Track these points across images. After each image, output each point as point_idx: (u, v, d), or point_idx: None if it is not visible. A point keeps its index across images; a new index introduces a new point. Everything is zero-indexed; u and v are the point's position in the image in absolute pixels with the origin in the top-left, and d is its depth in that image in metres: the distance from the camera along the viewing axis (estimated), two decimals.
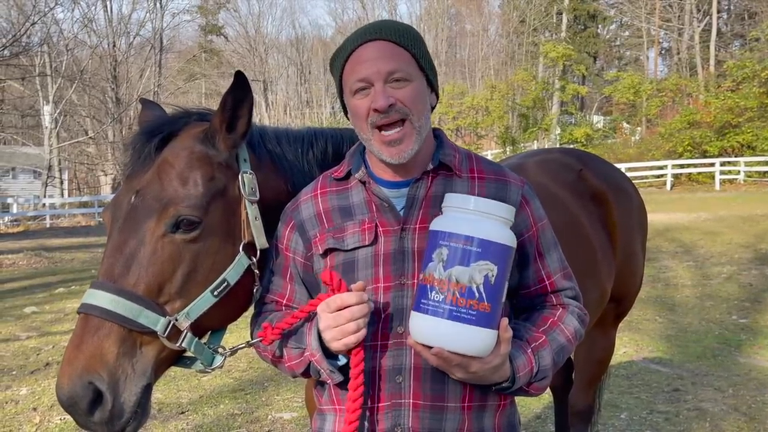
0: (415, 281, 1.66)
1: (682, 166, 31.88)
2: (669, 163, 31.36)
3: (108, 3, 41.57)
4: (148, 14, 44.64)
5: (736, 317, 7.81)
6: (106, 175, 42.53)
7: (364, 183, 1.80)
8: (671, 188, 30.50)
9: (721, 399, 5.28)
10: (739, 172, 30.38)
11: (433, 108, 1.83)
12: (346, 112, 1.86)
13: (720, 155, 31.50)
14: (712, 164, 30.62)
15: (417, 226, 1.72)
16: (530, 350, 1.68)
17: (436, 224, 1.60)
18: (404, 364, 1.67)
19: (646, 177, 31.85)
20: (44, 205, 32.96)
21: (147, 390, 1.75)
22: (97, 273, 1.81)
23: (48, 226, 28.84)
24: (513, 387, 1.66)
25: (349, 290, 1.62)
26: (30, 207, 32.27)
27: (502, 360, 1.59)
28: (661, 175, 31.65)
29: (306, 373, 1.75)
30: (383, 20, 1.83)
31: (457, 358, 1.54)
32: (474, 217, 1.56)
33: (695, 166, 31.80)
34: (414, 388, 1.66)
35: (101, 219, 2.04)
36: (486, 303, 1.51)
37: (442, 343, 1.52)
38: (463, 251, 1.52)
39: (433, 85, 1.82)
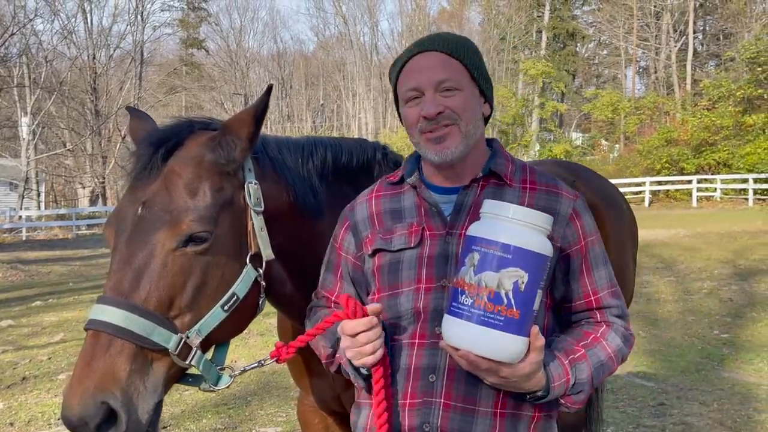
0: None
1: (660, 183, 32.27)
2: (647, 180, 31.75)
3: (88, 15, 41.33)
4: (128, 27, 44.36)
5: (718, 332, 7.86)
6: (84, 187, 42.07)
7: (415, 187, 1.84)
8: (649, 205, 30.83)
9: (706, 413, 5.29)
10: (715, 189, 30.83)
11: (487, 118, 1.88)
12: (401, 120, 1.91)
13: (697, 173, 31.98)
14: (690, 181, 31.06)
15: (463, 231, 1.75)
16: (567, 362, 1.67)
17: (472, 229, 1.62)
18: (439, 364, 1.71)
19: (625, 194, 31.82)
20: (20, 217, 32.45)
21: (158, 407, 1.72)
22: (103, 286, 1.76)
23: (24, 238, 28.43)
24: (547, 397, 1.65)
25: (365, 314, 1.66)
26: (6, 219, 31.73)
27: (533, 368, 1.58)
28: (640, 192, 32.00)
29: (339, 371, 1.82)
30: (439, 32, 1.89)
31: (484, 363, 1.54)
32: (507, 224, 1.56)
33: (673, 183, 32.21)
34: (446, 388, 1.70)
35: (96, 231, 1.99)
36: (515, 309, 1.51)
37: (469, 347, 1.54)
38: (493, 257, 1.52)
39: (486, 96, 1.86)
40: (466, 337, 1.53)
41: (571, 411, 1.76)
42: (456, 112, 1.73)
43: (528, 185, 1.82)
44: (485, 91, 1.84)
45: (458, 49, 1.79)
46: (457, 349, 1.57)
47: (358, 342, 1.63)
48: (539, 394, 1.64)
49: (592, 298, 1.80)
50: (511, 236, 1.53)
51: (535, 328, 1.57)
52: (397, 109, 1.90)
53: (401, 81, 1.82)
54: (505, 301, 1.51)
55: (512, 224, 1.56)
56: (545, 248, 1.57)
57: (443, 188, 1.83)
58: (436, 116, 1.72)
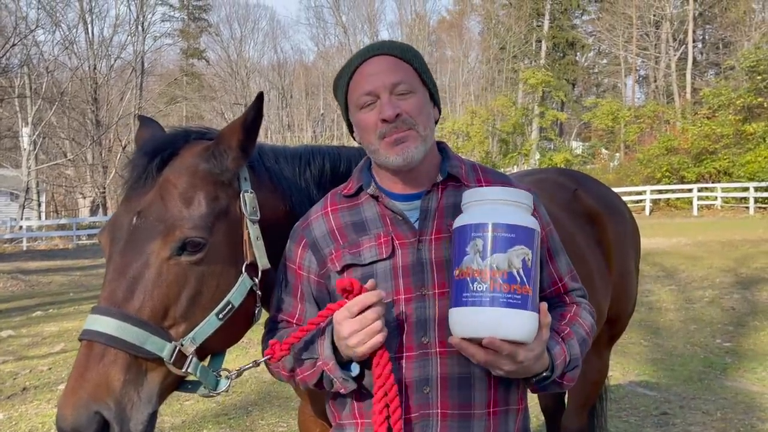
0: (436, 291, 1.69)
1: (660, 192, 32.25)
2: (647, 188, 31.74)
3: (89, 26, 41.51)
4: (129, 37, 44.52)
5: (721, 341, 7.83)
6: (84, 197, 42.12)
7: (376, 198, 1.81)
8: (650, 213, 30.80)
9: (709, 423, 5.26)
10: (716, 197, 30.80)
11: (436, 121, 1.87)
12: (351, 132, 1.87)
13: (697, 181, 31.96)
14: (690, 190, 31.04)
15: (432, 237, 1.74)
16: (560, 339, 1.70)
17: (463, 220, 1.62)
18: (431, 374, 1.68)
19: (626, 202, 32.09)
20: (21, 227, 32.49)
21: (152, 418, 1.70)
22: (98, 296, 1.75)
23: (25, 248, 28.42)
24: (552, 376, 1.67)
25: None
26: (6, 230, 31.76)
27: (543, 347, 1.60)
28: (640, 201, 31.97)
29: (319, 384, 1.74)
30: (384, 40, 1.88)
31: (507, 347, 1.53)
32: (499, 206, 1.60)
33: (673, 191, 32.20)
34: (441, 398, 1.68)
35: (97, 241, 1.98)
36: (527, 286, 1.54)
37: (492, 331, 1.52)
38: (499, 238, 1.54)
39: (435, 99, 1.86)
40: (490, 321, 1.52)
41: (565, 390, 1.78)
42: (412, 116, 1.72)
43: (483, 184, 1.84)
44: (434, 95, 1.85)
45: (406, 53, 1.80)
46: (471, 340, 1.55)
47: (366, 320, 1.57)
48: (545, 374, 1.66)
49: (560, 284, 1.87)
50: (509, 216, 1.57)
51: (544, 305, 1.59)
52: (346, 119, 1.87)
53: (352, 87, 1.79)
54: (518, 279, 1.53)
55: (505, 206, 1.60)
56: (535, 224, 1.62)
57: (403, 195, 1.81)
58: (395, 118, 1.70)
